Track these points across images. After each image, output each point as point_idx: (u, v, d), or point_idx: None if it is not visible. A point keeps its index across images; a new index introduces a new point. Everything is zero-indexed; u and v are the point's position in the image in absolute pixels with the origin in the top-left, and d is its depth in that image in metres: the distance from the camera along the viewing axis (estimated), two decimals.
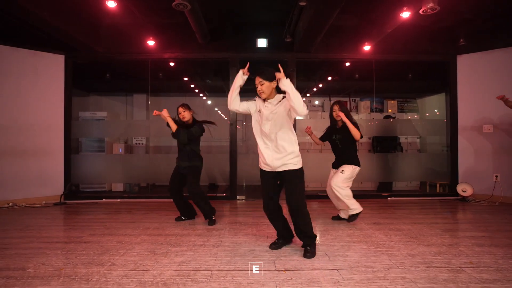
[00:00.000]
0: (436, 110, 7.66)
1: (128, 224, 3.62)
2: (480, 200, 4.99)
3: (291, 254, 2.61)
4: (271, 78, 2.55)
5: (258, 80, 2.57)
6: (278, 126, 2.57)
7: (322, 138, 3.88)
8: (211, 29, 5.03)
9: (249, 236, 3.14)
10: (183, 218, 3.80)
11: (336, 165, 3.74)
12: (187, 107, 3.67)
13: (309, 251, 2.57)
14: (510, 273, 2.18)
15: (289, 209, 2.62)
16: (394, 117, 6.55)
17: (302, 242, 2.67)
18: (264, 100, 2.63)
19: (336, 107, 3.62)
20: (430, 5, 3.38)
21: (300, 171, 2.61)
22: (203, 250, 2.70)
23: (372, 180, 5.96)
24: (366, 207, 4.55)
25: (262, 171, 2.70)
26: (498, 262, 2.39)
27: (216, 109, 8.44)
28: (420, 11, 3.54)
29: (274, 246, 2.76)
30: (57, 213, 4.35)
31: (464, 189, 5.01)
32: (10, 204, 4.64)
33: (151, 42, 4.92)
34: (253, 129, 2.71)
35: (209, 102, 8.44)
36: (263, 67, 2.59)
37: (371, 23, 4.75)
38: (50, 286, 2.01)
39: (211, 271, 2.26)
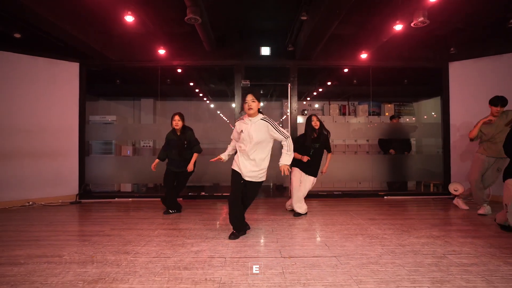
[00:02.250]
0: (433, 113, 7.99)
1: (143, 220, 3.93)
2: (471, 198, 5.29)
3: (294, 244, 2.92)
4: (259, 99, 3.06)
5: (251, 97, 3.00)
6: (258, 144, 3.05)
7: (295, 147, 3.93)
8: (217, 37, 5.37)
9: (255, 230, 3.45)
10: (170, 211, 4.29)
11: (308, 172, 4.16)
12: (182, 116, 4.26)
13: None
14: (486, 259, 2.49)
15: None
16: (399, 117, 6.80)
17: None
18: (242, 119, 3.15)
19: (315, 118, 4.14)
20: (421, 19, 3.71)
21: (261, 183, 3.24)
22: (216, 242, 3.01)
23: (371, 180, 6.26)
24: (363, 205, 4.90)
25: (234, 171, 3.16)
26: (478, 250, 2.71)
27: (219, 112, 8.76)
28: (412, 24, 3.86)
29: (233, 237, 3.09)
30: (75, 211, 4.66)
31: (455, 188, 5.32)
32: (30, 203, 4.96)
33: (162, 51, 5.24)
34: (236, 143, 3.25)
35: (212, 105, 8.75)
36: (253, 88, 3.07)
37: (368, 33, 5.08)
38: (87, 269, 2.32)
39: (225, 258, 2.57)
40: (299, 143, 4.13)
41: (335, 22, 3.99)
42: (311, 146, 4.11)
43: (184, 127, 4.26)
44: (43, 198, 5.13)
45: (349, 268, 2.34)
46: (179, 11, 4.14)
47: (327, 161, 4.34)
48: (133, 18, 3.91)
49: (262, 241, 3.06)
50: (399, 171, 6.02)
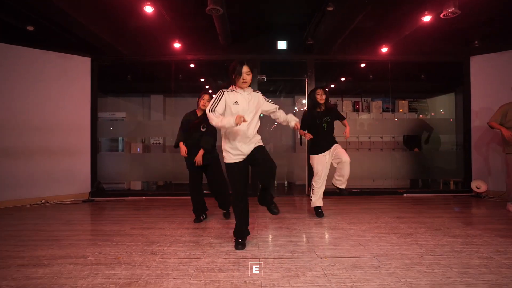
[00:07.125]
0: (441, 110, 7.83)
1: (163, 219, 3.80)
2: (493, 196, 5.16)
3: (327, 244, 2.79)
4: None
5: (247, 69, 2.60)
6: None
7: (304, 127, 3.76)
8: (232, 30, 5.21)
9: (282, 229, 3.31)
10: (201, 218, 3.69)
11: (326, 148, 3.72)
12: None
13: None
14: None
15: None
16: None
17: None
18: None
19: (320, 91, 3.71)
20: (451, 9, 3.56)
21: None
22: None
23: (387, 177, 6.12)
24: (385, 203, 4.77)
25: (231, 164, 2.70)
26: None
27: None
28: (441, 15, 3.71)
29: (241, 246, 2.69)
30: (89, 210, 4.53)
31: (478, 185, 5.18)
32: (43, 201, 4.83)
33: (177, 45, 5.09)
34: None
35: None
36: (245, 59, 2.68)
37: (389, 25, 4.92)
38: (116, 271, 2.19)
39: (258, 259, 2.43)
40: (309, 122, 3.75)
41: (361, 15, 3.84)
42: (323, 121, 3.71)
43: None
44: (55, 196, 4.99)
45: (394, 269, 2.20)
46: (196, 3, 4.01)
47: (347, 126, 3.83)
48: (152, 9, 3.76)
49: (292, 240, 2.92)
50: (417, 168, 5.90)
